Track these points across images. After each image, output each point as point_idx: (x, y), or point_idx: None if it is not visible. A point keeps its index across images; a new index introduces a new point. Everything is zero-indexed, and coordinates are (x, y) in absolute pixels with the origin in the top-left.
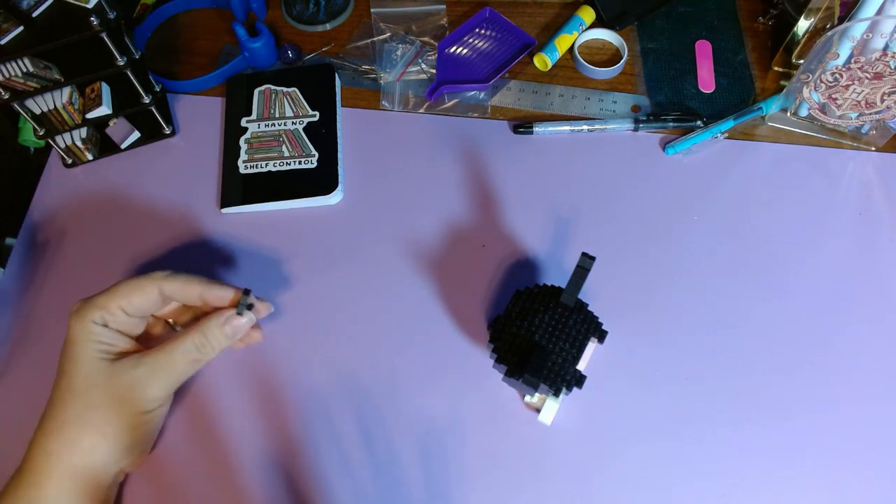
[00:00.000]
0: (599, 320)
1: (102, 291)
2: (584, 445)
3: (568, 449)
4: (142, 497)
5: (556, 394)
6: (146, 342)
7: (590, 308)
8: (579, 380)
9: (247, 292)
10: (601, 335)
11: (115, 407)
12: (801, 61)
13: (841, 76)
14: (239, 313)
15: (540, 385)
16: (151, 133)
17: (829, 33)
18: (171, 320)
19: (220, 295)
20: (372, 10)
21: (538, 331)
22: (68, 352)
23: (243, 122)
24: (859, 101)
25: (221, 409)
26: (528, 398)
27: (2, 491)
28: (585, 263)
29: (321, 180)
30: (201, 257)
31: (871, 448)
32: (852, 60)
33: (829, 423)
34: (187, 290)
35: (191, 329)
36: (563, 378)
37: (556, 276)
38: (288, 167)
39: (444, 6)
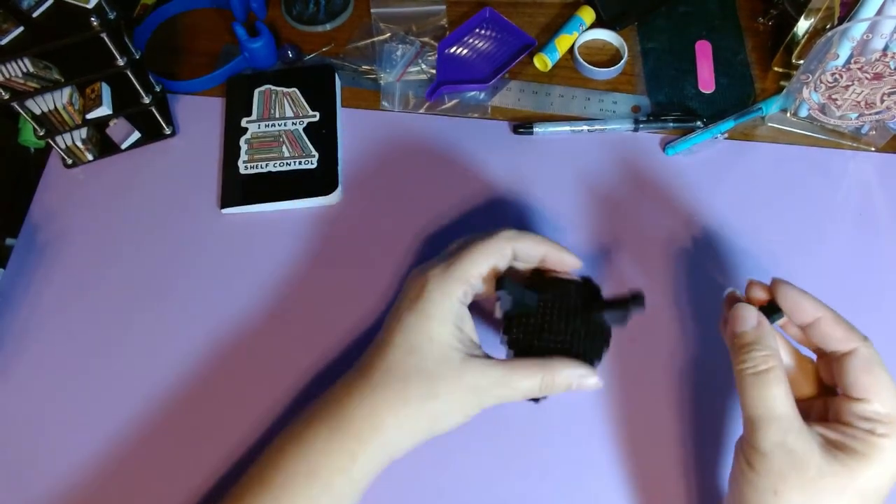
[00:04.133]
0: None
1: (454, 258)
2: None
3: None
4: None
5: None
6: None
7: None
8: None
9: (637, 300)
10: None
11: (455, 406)
12: (801, 62)
13: (841, 77)
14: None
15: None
16: (151, 133)
17: (829, 34)
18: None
19: (563, 259)
20: (372, 11)
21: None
22: (425, 327)
23: (243, 123)
24: (859, 102)
25: None
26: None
27: (312, 425)
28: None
29: (321, 181)
30: (201, 257)
31: None
32: (852, 61)
33: None
34: (534, 251)
35: (542, 363)
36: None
37: None
38: (288, 167)
39: (444, 6)
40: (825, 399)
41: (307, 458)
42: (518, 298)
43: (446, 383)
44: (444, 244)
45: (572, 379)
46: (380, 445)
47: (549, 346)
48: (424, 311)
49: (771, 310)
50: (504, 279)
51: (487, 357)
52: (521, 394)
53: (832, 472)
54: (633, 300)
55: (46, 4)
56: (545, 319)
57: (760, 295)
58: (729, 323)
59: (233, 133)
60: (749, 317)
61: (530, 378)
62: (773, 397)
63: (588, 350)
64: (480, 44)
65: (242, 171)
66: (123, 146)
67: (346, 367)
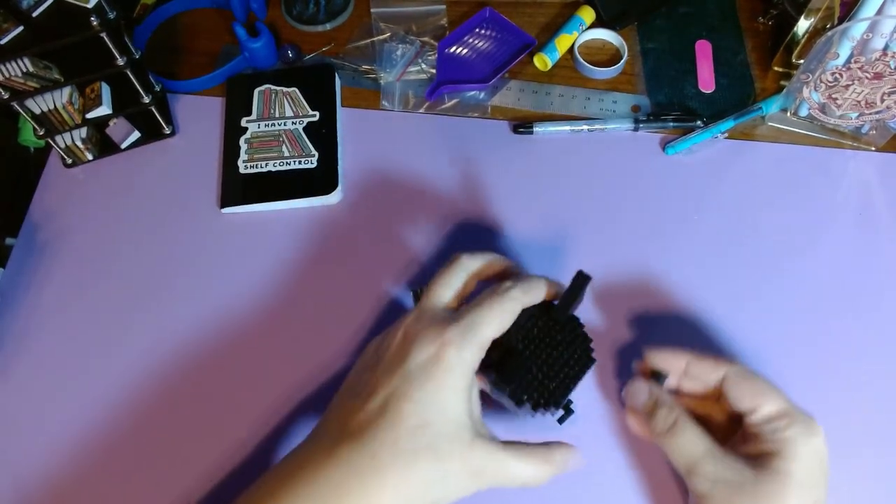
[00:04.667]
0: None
1: (467, 320)
2: None
3: None
4: None
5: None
6: None
7: (588, 313)
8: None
9: (582, 280)
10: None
11: (456, 488)
12: (801, 61)
13: (841, 76)
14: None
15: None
16: (151, 133)
17: (829, 33)
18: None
19: (558, 291)
20: (372, 10)
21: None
22: (440, 398)
23: (243, 122)
24: (859, 101)
25: None
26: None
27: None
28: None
29: (321, 180)
30: (201, 257)
31: (869, 450)
32: (852, 60)
33: (827, 423)
34: (537, 300)
35: (538, 452)
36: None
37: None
38: (288, 167)
39: (444, 6)
40: (735, 434)
41: None
42: (511, 389)
43: (454, 464)
44: (443, 244)
45: (566, 462)
46: None
47: (566, 384)
48: (442, 381)
49: (657, 374)
50: (491, 384)
51: (493, 438)
52: (519, 482)
53: (766, 480)
54: (580, 282)
55: (46, 4)
56: (540, 369)
57: (645, 366)
58: (628, 403)
59: (233, 132)
60: (640, 389)
61: (527, 467)
62: (690, 441)
63: (581, 356)
64: (480, 43)
65: (242, 170)
66: (123, 146)
67: (346, 367)
